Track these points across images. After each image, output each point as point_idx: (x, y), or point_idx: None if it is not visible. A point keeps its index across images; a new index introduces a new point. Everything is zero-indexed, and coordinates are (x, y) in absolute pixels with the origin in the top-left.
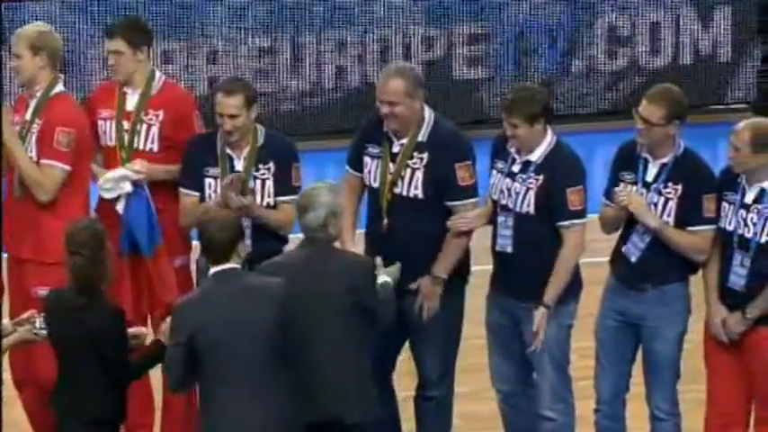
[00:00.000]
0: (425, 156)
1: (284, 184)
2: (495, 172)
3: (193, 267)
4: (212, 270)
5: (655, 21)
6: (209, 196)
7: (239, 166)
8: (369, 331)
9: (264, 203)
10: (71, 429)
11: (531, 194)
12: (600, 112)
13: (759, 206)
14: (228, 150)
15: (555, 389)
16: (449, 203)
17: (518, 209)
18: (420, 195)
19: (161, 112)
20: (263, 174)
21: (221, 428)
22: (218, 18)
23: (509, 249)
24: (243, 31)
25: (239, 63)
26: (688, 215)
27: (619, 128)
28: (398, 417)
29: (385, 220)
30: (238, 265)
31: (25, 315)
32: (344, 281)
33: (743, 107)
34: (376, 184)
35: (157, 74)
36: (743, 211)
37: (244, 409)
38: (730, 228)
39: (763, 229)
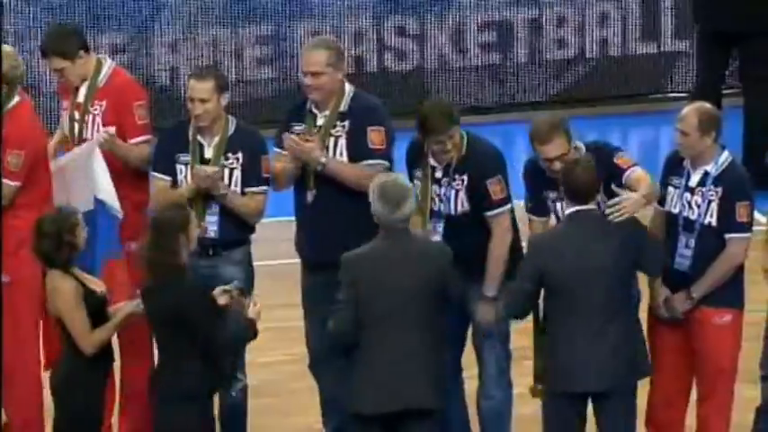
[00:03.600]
0: (347, 123)
1: (254, 176)
2: (416, 182)
3: None
4: (570, 210)
5: (603, 11)
6: (181, 182)
7: (209, 153)
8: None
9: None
10: (169, 405)
11: (463, 195)
12: (547, 101)
13: (703, 189)
14: (199, 138)
15: (500, 367)
16: (361, 162)
17: (452, 212)
18: (345, 162)
19: (104, 102)
20: (232, 163)
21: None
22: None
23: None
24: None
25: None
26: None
27: (561, 116)
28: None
29: (312, 191)
30: (595, 207)
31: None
32: (433, 267)
33: (683, 96)
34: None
35: (107, 64)
36: (687, 194)
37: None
38: (675, 211)
39: (706, 211)
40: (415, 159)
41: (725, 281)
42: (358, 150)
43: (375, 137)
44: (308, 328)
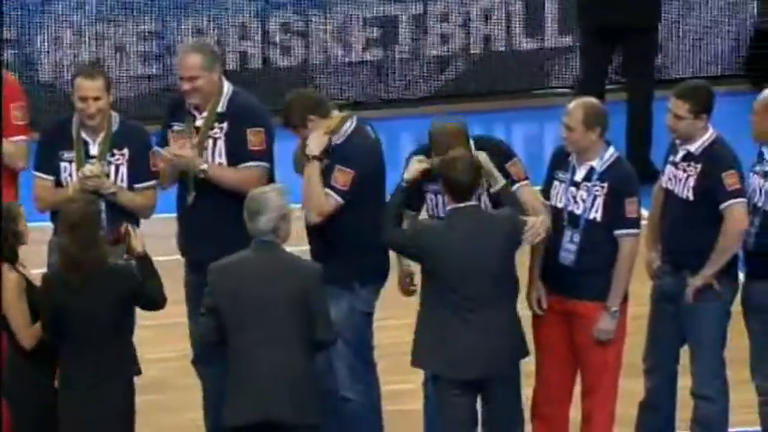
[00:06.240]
0: (225, 125)
1: (142, 171)
2: None
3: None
4: (451, 206)
5: (487, 6)
6: (65, 180)
7: (94, 150)
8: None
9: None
10: (117, 386)
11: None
12: (430, 96)
13: (588, 184)
14: (83, 135)
15: (353, 371)
16: (239, 166)
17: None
18: (224, 164)
19: None
20: (118, 159)
21: None
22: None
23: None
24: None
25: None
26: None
27: (445, 111)
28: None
29: (192, 194)
30: (476, 203)
31: None
32: (295, 283)
33: (566, 92)
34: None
35: None
36: (573, 189)
37: None
38: (560, 205)
39: (591, 206)
40: None
41: (615, 275)
42: (237, 152)
43: (254, 138)
44: (191, 325)
